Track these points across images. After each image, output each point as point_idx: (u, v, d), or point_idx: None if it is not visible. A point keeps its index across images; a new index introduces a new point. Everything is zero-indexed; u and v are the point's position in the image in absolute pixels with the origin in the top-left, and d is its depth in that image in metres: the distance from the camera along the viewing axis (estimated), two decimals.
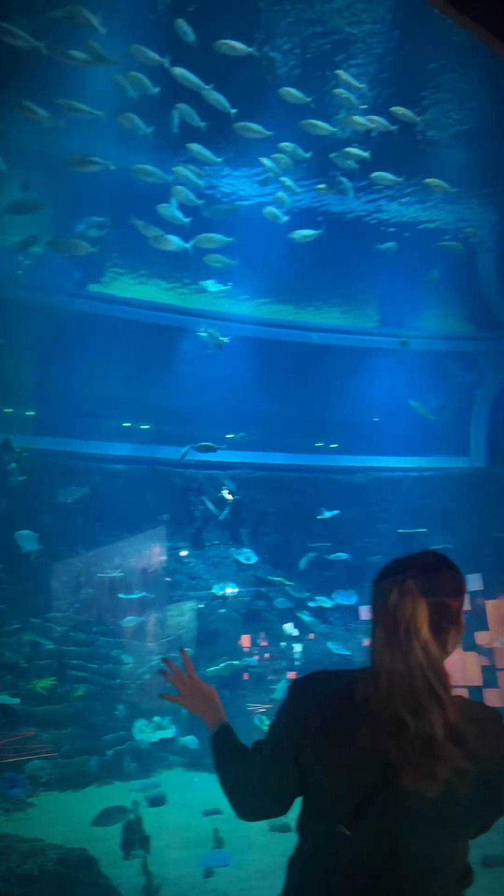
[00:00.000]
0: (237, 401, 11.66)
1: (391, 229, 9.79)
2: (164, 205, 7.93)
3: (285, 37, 7.17)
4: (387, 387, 11.66)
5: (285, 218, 8.62)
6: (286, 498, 11.75)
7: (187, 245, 8.17)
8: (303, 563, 11.17)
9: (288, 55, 7.37)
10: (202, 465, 11.29)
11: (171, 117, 7.21)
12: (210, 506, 11.27)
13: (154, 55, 6.60)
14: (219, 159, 7.74)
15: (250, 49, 6.71)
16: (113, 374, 11.39)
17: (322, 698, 1.54)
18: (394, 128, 7.66)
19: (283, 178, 8.25)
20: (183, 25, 6.44)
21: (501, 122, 8.13)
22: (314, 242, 9.35)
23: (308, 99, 7.20)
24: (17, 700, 8.56)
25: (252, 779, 1.64)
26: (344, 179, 8.58)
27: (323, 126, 7.42)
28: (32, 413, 11.73)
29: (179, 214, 8.01)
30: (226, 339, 9.85)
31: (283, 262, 9.73)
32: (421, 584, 1.47)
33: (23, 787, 7.83)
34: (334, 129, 7.48)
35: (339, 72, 7.19)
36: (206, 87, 6.86)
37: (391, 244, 9.45)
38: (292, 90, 7.17)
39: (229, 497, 11.34)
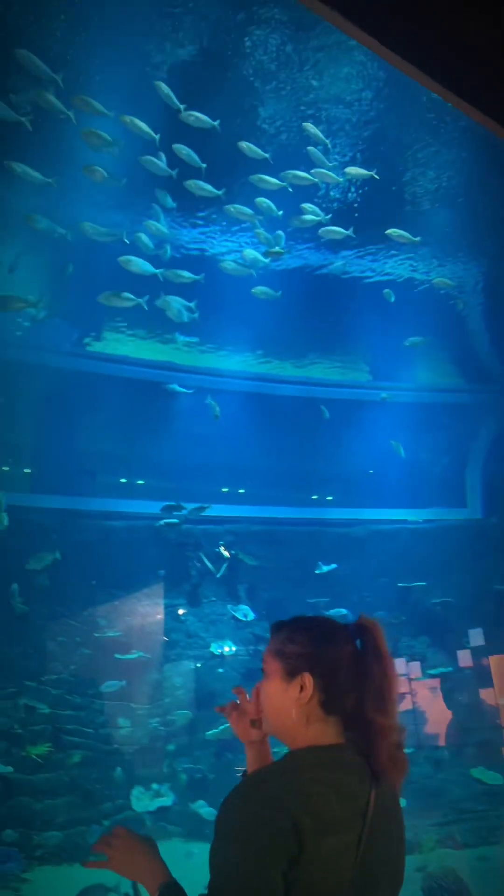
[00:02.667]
0: (232, 455, 11.72)
1: (381, 285, 10.06)
2: (130, 258, 8.00)
3: (272, 108, 7.52)
4: (381, 439, 11.76)
5: (252, 272, 8.82)
6: (283, 552, 11.67)
7: (141, 301, 8.25)
8: None
9: (273, 125, 7.72)
10: (198, 519, 11.25)
11: (160, 160, 7.27)
12: (206, 562, 11.17)
13: (146, 128, 6.85)
14: (219, 191, 7.78)
15: (214, 123, 7.01)
16: (109, 430, 11.47)
17: (303, 788, 1.45)
18: (340, 180, 7.94)
19: (259, 231, 8.44)
20: (164, 88, 6.69)
21: (478, 183, 8.50)
22: (304, 298, 9.59)
23: (265, 155, 7.44)
24: (10, 769, 8.29)
25: None
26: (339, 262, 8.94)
27: (271, 181, 7.66)
28: (29, 471, 11.74)
29: (148, 266, 8.11)
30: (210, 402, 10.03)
31: (275, 319, 9.96)
32: None
33: (16, 860, 7.50)
34: (283, 184, 7.72)
35: (307, 125, 7.42)
36: (154, 135, 7.00)
37: (388, 291, 9.67)
38: (249, 144, 7.36)
39: (226, 553, 11.25)
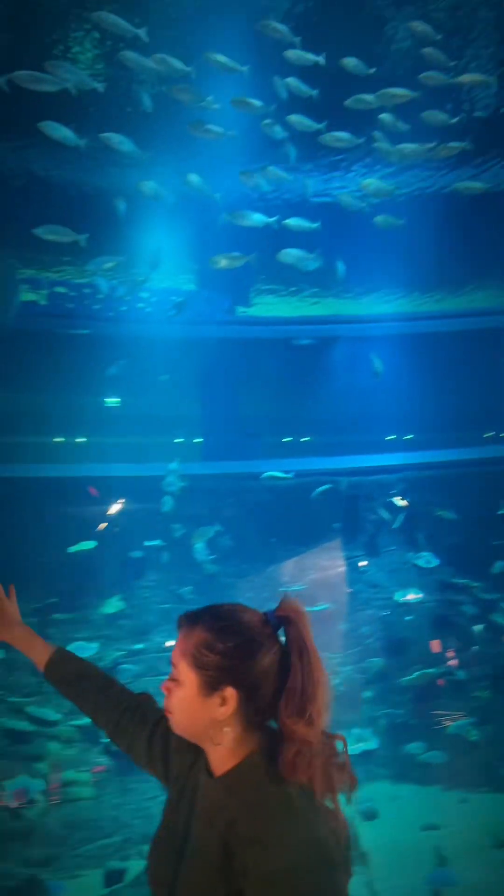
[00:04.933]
0: (397, 402, 11.39)
1: None
2: (242, 212, 7.71)
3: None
4: None
5: (363, 205, 8.25)
6: (460, 496, 11.20)
7: (249, 257, 7.93)
8: (499, 565, 10.44)
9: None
10: (367, 471, 11.13)
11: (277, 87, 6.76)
12: (383, 512, 11.04)
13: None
14: (321, 124, 7.11)
15: (318, 58, 6.49)
16: (270, 392, 11.67)
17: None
18: (450, 79, 6.90)
19: (382, 146, 7.68)
20: (272, 24, 6.25)
21: None
22: (455, 226, 8.93)
23: (370, 70, 6.67)
24: None
25: None
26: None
27: (368, 98, 6.88)
28: (201, 440, 12.32)
29: (262, 217, 7.75)
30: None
31: (426, 250, 9.41)
32: None
33: None
34: (379, 103, 6.97)
35: (414, 24, 6.48)
36: (242, 68, 6.46)
37: None
38: (354, 60, 6.60)
39: (402, 503, 11.04)
